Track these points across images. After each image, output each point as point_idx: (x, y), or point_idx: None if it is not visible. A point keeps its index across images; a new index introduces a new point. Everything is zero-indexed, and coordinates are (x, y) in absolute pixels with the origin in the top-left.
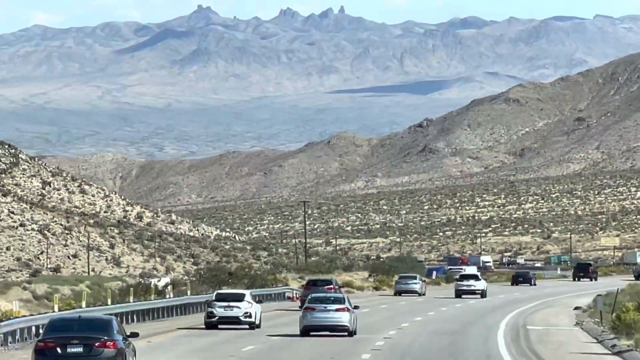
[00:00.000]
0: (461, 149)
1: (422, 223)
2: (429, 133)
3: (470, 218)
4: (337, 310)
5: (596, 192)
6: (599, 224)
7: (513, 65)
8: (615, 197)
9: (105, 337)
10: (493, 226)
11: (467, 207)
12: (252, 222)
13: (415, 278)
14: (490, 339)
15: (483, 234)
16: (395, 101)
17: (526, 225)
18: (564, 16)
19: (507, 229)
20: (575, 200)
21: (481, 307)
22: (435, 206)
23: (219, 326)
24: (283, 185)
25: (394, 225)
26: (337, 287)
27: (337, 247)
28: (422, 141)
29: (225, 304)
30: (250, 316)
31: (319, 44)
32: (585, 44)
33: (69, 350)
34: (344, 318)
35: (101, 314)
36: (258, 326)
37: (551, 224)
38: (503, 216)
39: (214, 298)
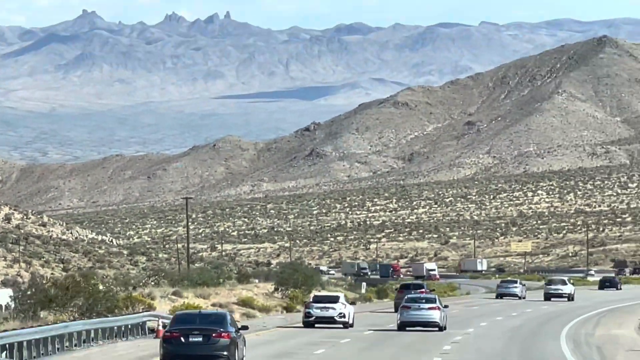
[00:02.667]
0: (349, 153)
1: (312, 228)
2: (317, 137)
3: (361, 223)
4: (429, 308)
5: (491, 196)
6: (498, 229)
7: (399, 71)
8: (512, 202)
9: (221, 329)
10: (386, 231)
11: (358, 212)
12: (133, 227)
13: (516, 282)
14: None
15: (376, 239)
16: (281, 107)
17: (421, 231)
18: (449, 23)
19: (401, 234)
20: (470, 205)
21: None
22: (324, 211)
23: (316, 325)
24: (167, 190)
25: (282, 229)
26: (427, 290)
27: (223, 253)
28: (310, 145)
29: (322, 305)
30: (344, 316)
31: (205, 49)
32: (471, 51)
33: (190, 339)
34: (435, 315)
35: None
36: (351, 325)
37: (447, 229)
38: (396, 221)
39: (311, 300)
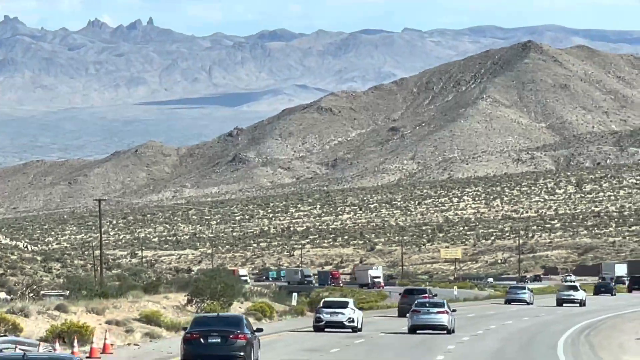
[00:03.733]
0: (272, 159)
1: (235, 234)
2: (239, 143)
3: (285, 229)
4: (438, 312)
5: (417, 202)
6: (424, 235)
7: (322, 78)
8: (438, 208)
9: (238, 331)
10: (311, 237)
11: (281, 218)
12: (53, 233)
13: (524, 288)
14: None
15: (300, 246)
16: (204, 113)
17: (347, 237)
18: (372, 29)
19: (326, 241)
20: (395, 211)
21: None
22: (247, 217)
23: (325, 329)
24: (88, 195)
25: (204, 236)
26: (431, 295)
27: (143, 259)
28: (232, 151)
29: (332, 310)
30: (353, 321)
31: (127, 56)
32: (394, 57)
33: (210, 340)
34: (443, 319)
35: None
36: (360, 329)
37: (373, 235)
38: (320, 227)
39: (321, 305)
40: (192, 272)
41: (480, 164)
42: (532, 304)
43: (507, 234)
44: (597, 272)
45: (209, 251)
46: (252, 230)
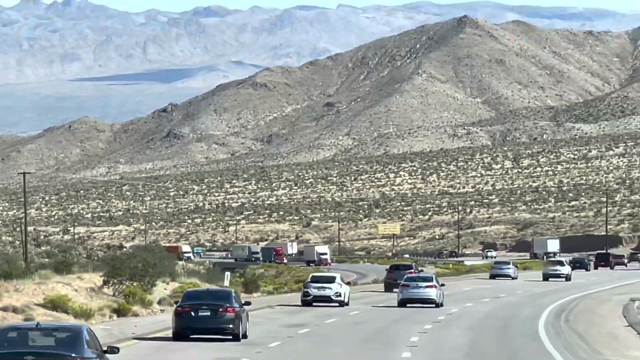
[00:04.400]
0: (207, 134)
1: (169, 210)
2: (174, 118)
3: (220, 205)
4: (427, 287)
5: (352, 178)
6: (361, 211)
7: (257, 54)
8: (374, 184)
9: (227, 304)
10: (246, 213)
11: (216, 194)
12: None
13: (509, 264)
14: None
15: (235, 222)
16: (139, 89)
17: (282, 212)
18: (307, 5)
19: (261, 216)
20: (331, 187)
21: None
22: (181, 193)
23: (313, 304)
24: (21, 172)
25: (137, 212)
26: (417, 270)
27: (76, 236)
28: (167, 127)
29: (319, 285)
30: (340, 295)
31: (62, 32)
32: (329, 34)
33: (200, 313)
34: (432, 293)
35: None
36: (347, 304)
37: (309, 211)
38: (255, 203)
39: (309, 280)
40: (124, 249)
41: (416, 139)
42: (515, 278)
43: (445, 210)
44: (529, 248)
45: (143, 227)
46: (186, 206)
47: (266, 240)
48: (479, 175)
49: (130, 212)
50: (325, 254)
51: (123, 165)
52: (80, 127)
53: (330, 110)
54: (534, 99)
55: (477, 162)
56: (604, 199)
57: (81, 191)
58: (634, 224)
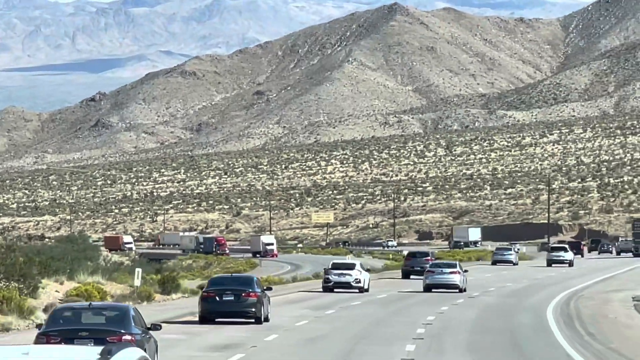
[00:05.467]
0: (136, 123)
1: (96, 200)
2: (102, 107)
3: (148, 194)
4: (451, 273)
5: (283, 166)
6: (292, 199)
7: (186, 44)
8: (305, 172)
9: (249, 289)
10: (174, 202)
11: (145, 183)
12: None
13: (510, 250)
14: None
15: (164, 211)
16: (68, 79)
17: (211, 201)
18: None
19: (190, 206)
20: (261, 175)
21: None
22: (109, 182)
23: (334, 290)
24: None
25: (64, 202)
26: (433, 258)
27: (0, 226)
28: (95, 116)
29: (339, 271)
30: (359, 282)
31: None
32: (258, 23)
33: (224, 298)
34: (455, 278)
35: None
36: (367, 290)
37: (239, 199)
38: (184, 192)
39: (330, 267)
40: (46, 239)
41: (347, 127)
42: (516, 264)
43: (378, 198)
44: (448, 237)
45: (69, 217)
46: (114, 196)
47: (195, 229)
48: (411, 163)
49: (57, 202)
50: (272, 244)
51: (51, 154)
52: (7, 117)
53: (260, 99)
54: (466, 87)
55: (409, 150)
56: (541, 186)
57: (7, 181)
58: (574, 211)
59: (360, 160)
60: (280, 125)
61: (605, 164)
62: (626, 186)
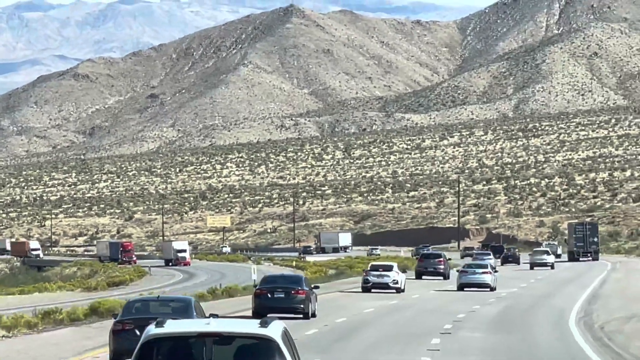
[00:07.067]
0: (27, 127)
1: None
2: None
3: (37, 198)
4: (483, 273)
5: (178, 170)
6: (187, 203)
7: (80, 48)
8: (200, 175)
9: (299, 287)
10: (65, 206)
11: (35, 187)
12: None
13: (548, 252)
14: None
15: (53, 216)
16: None
17: (103, 205)
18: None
19: (80, 210)
20: (155, 179)
21: None
22: None
23: (372, 290)
24: None
25: None
26: (445, 259)
27: None
28: None
29: (378, 273)
30: (397, 283)
31: None
32: (153, 28)
33: (275, 295)
34: (487, 278)
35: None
36: (403, 290)
37: (131, 203)
38: (75, 196)
39: (369, 268)
40: None
41: (242, 130)
42: (554, 268)
43: (276, 201)
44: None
45: None
46: (2, 200)
47: (85, 235)
48: (309, 166)
49: None
50: (184, 250)
51: None
52: None
53: (154, 102)
54: (362, 90)
55: (306, 153)
56: (445, 189)
57: None
58: (481, 215)
59: (256, 164)
60: (175, 128)
61: (509, 166)
62: (534, 189)
